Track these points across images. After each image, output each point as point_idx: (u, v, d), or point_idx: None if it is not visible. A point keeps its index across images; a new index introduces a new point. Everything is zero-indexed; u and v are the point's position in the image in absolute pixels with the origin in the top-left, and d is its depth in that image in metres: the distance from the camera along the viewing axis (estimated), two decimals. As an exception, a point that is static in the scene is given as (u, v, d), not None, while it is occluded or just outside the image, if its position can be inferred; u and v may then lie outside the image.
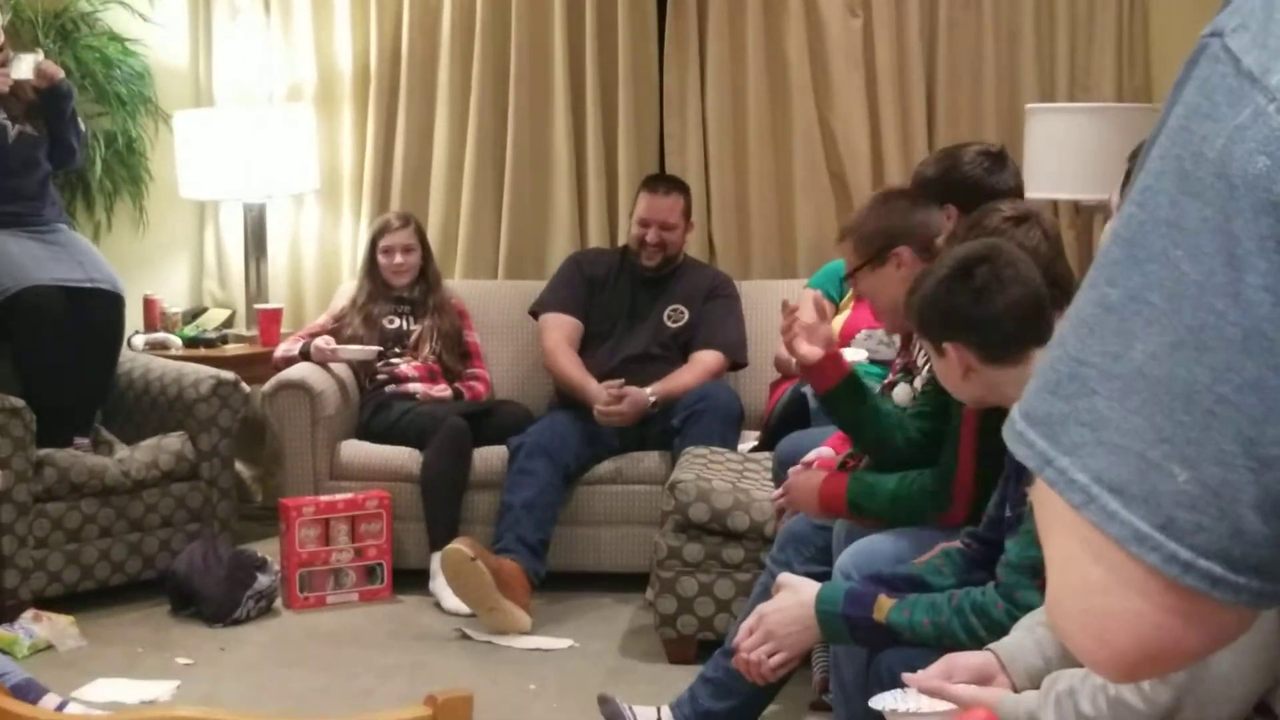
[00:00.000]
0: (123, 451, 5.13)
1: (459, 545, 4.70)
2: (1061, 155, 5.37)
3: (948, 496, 3.18)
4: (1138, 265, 0.81)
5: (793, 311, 3.43)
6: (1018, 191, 3.82)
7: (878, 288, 3.56)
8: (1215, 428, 0.78)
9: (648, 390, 5.12)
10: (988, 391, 2.78)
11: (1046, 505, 0.84)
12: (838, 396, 3.42)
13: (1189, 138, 0.81)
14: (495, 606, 4.71)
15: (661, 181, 5.51)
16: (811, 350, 3.39)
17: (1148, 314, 0.80)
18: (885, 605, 2.74)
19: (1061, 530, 0.83)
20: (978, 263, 2.76)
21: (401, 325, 5.56)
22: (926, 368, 3.60)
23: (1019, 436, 0.84)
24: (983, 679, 2.43)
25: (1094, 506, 0.81)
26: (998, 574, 2.68)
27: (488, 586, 4.69)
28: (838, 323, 5.24)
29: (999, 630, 2.56)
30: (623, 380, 5.14)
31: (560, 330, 5.39)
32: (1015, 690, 2.40)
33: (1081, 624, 0.84)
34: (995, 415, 2.89)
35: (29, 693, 3.51)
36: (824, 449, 3.87)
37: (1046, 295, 2.78)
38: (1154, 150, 0.83)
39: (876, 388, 3.88)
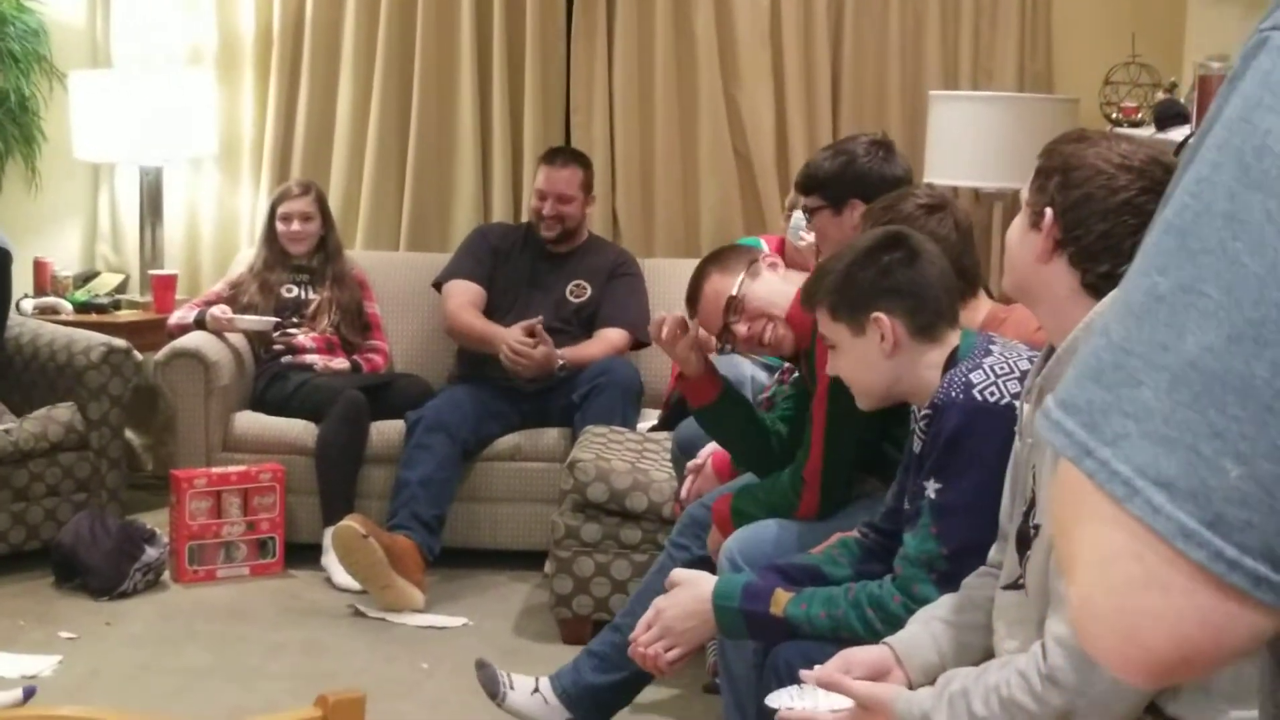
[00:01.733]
0: (10, 422, 5.02)
1: (351, 523, 4.64)
2: (962, 143, 5.38)
3: (796, 496, 3.21)
4: (1191, 256, 0.79)
5: (680, 322, 3.49)
6: (909, 178, 3.83)
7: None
8: (1272, 423, 0.76)
9: (558, 352, 5.08)
10: (903, 372, 2.74)
11: (1077, 498, 0.81)
12: (716, 412, 3.47)
13: (1250, 130, 0.79)
14: (388, 584, 4.66)
15: (560, 154, 5.47)
16: (696, 363, 3.43)
17: (1202, 306, 0.78)
18: (783, 599, 2.73)
19: (1096, 524, 0.80)
20: (896, 239, 2.76)
21: (300, 294, 5.48)
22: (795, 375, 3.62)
23: (1055, 425, 0.82)
24: (879, 673, 2.42)
25: (1139, 500, 0.78)
26: (895, 567, 2.67)
27: (380, 564, 4.64)
28: None
29: (896, 623, 2.56)
30: (540, 318, 5.09)
31: (464, 295, 5.34)
32: (910, 685, 2.40)
33: (1113, 624, 0.80)
34: (844, 403, 2.90)
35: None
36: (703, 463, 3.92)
37: (955, 279, 2.79)
38: (1208, 141, 0.82)
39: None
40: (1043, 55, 5.88)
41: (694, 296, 3.53)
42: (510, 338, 5.06)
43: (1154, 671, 0.81)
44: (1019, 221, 2.29)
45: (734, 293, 3.44)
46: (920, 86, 5.85)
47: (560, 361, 5.08)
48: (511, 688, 3.75)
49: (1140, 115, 4.70)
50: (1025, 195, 2.29)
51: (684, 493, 3.94)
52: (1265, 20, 0.82)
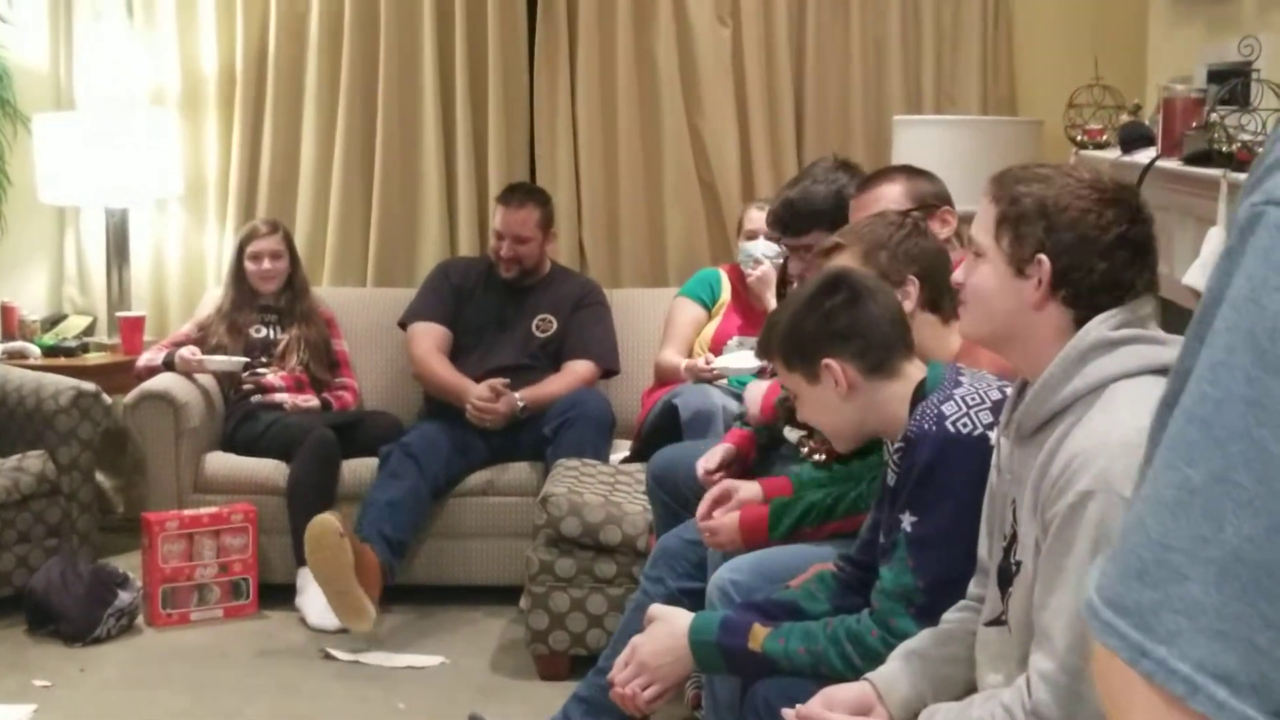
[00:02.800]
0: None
1: (331, 517, 4.59)
2: (927, 166, 5.38)
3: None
4: (1219, 445, 0.79)
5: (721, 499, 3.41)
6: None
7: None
8: None
9: (516, 395, 5.09)
10: (868, 411, 2.75)
11: (1132, 694, 0.80)
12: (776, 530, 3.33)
13: (1260, 312, 0.79)
14: (347, 590, 4.58)
15: (516, 192, 5.46)
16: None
17: (1237, 496, 0.77)
18: (760, 634, 2.73)
19: None
20: (836, 282, 2.76)
21: (268, 334, 5.47)
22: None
23: (1107, 627, 0.81)
24: (861, 711, 2.43)
25: (1201, 696, 0.77)
26: (872, 601, 2.68)
27: (347, 567, 4.56)
28: (709, 330, 5.26)
29: (875, 658, 2.56)
30: (508, 380, 5.10)
31: (429, 338, 5.34)
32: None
33: None
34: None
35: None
36: (725, 445, 3.82)
37: (901, 307, 2.81)
38: (1219, 323, 0.81)
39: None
40: (1005, 79, 5.92)
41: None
42: (474, 394, 5.07)
43: None
44: (995, 270, 2.26)
45: None
46: (884, 111, 5.88)
47: (520, 404, 5.08)
48: None
49: (1105, 137, 4.72)
50: (983, 240, 2.27)
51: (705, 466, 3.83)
52: (1254, 193, 0.81)
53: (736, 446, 3.78)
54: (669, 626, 2.85)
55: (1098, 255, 2.17)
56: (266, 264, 5.46)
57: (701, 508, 3.44)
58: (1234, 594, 0.77)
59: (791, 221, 3.81)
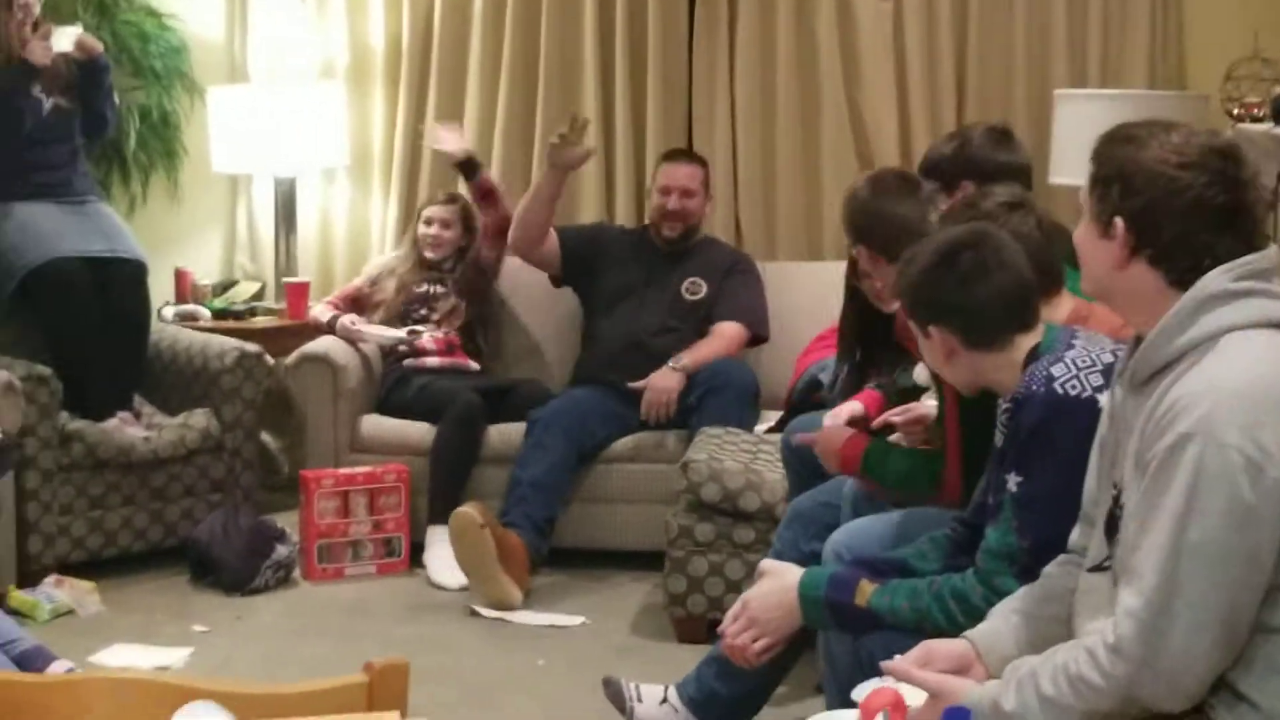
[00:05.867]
0: (160, 419, 5.23)
1: (470, 509, 4.73)
2: (1089, 142, 5.32)
3: (940, 479, 3.20)
4: None
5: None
6: (1026, 169, 3.85)
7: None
8: None
9: (669, 363, 5.14)
10: (973, 375, 2.79)
11: None
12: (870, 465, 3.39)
13: None
14: (491, 577, 4.74)
15: (679, 152, 5.60)
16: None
17: None
18: (867, 590, 2.76)
19: None
20: (964, 248, 2.75)
21: (429, 289, 5.63)
22: None
23: None
24: (960, 667, 2.44)
25: None
26: (977, 559, 2.69)
27: (489, 556, 4.72)
28: None
29: (977, 616, 2.58)
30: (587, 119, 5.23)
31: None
32: (991, 677, 2.42)
33: None
34: (978, 400, 2.90)
35: (36, 660, 3.57)
36: (856, 404, 3.86)
37: (1033, 283, 2.79)
38: None
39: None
40: (1174, 52, 5.81)
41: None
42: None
43: None
44: (1087, 229, 2.28)
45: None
46: (1046, 87, 5.82)
47: (674, 365, 5.13)
48: (639, 700, 3.78)
49: (1261, 111, 4.66)
50: (1084, 200, 2.29)
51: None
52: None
53: (866, 406, 3.80)
54: (779, 581, 2.90)
55: (1169, 219, 2.17)
56: (435, 229, 5.64)
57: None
58: None
59: (920, 165, 3.85)
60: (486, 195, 5.59)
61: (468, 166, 5.57)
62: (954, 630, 2.59)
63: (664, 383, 5.12)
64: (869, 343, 3.91)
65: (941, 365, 2.82)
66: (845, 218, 3.55)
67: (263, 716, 1.57)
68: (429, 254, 5.65)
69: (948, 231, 2.89)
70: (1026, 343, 2.74)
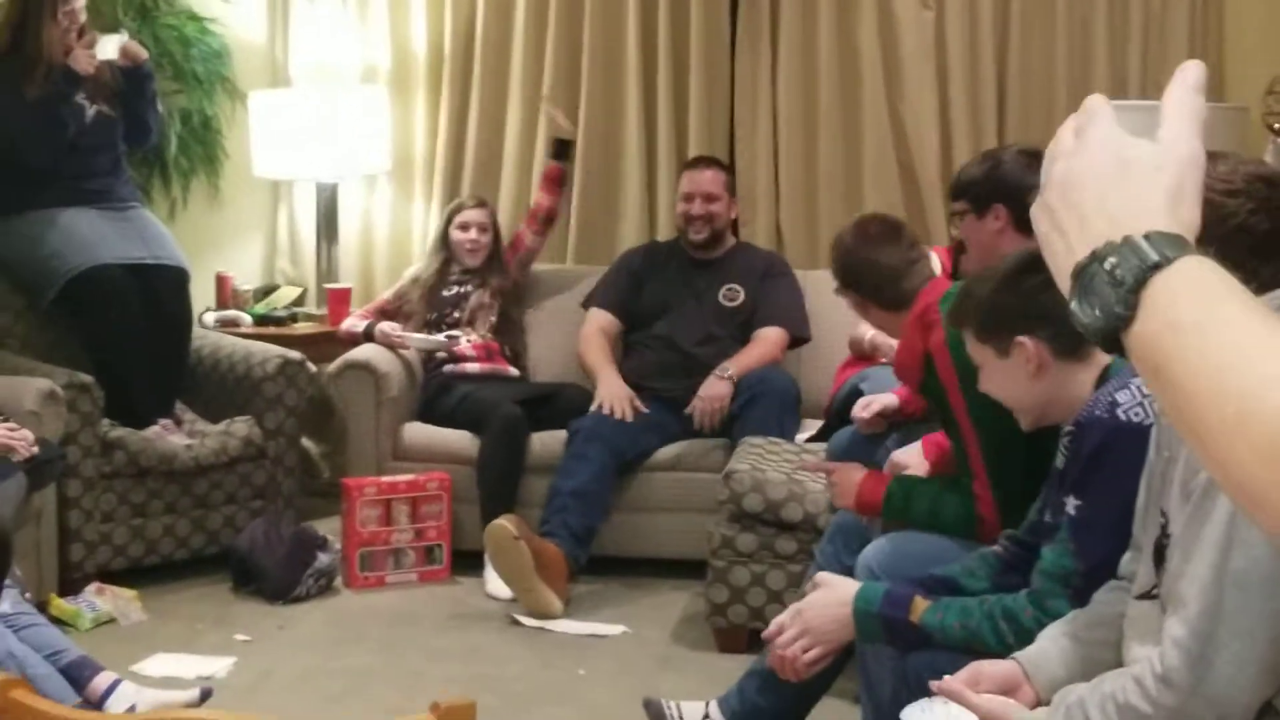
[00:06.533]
0: (203, 426, 5.24)
1: (505, 523, 4.75)
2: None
3: (975, 522, 3.19)
4: None
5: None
6: None
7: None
8: None
9: (715, 372, 5.15)
10: (1054, 393, 2.75)
11: None
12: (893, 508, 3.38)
13: None
14: (531, 588, 4.76)
15: (699, 159, 5.61)
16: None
17: None
18: (920, 606, 2.76)
19: None
20: (1040, 259, 2.73)
21: (459, 290, 5.63)
22: None
23: None
24: (1008, 688, 2.43)
25: None
26: (1032, 580, 2.68)
27: (527, 567, 4.73)
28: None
29: (1026, 637, 2.56)
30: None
31: (596, 323, 5.50)
32: (1038, 700, 2.41)
33: None
34: (996, 435, 2.89)
35: (83, 670, 3.58)
36: (891, 397, 3.86)
37: None
38: None
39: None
40: (1213, 63, 5.78)
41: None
42: (611, 397, 5.18)
43: None
44: None
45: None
46: (1088, 95, 5.77)
47: (722, 375, 5.13)
48: (681, 718, 3.79)
49: (1302, 126, 4.64)
50: None
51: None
52: None
53: (901, 400, 3.80)
54: (835, 593, 2.89)
55: (1217, 245, 2.14)
56: (474, 234, 5.62)
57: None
58: None
59: (950, 186, 3.86)
60: (558, 181, 5.69)
61: (567, 147, 5.70)
62: (1002, 650, 2.57)
63: (714, 390, 5.13)
64: None
65: (1025, 386, 2.78)
66: (833, 264, 3.65)
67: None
68: (468, 260, 5.64)
69: (1017, 253, 2.88)
70: (1102, 359, 2.72)
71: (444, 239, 5.69)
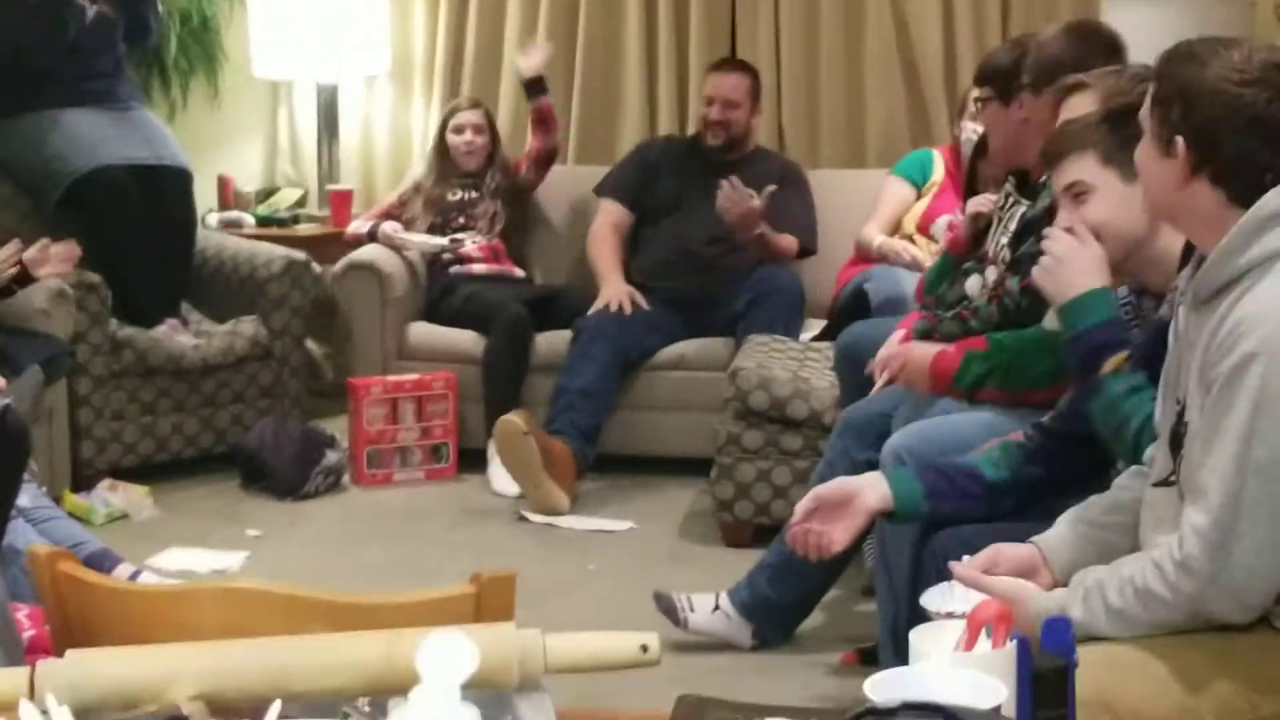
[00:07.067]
0: (209, 326, 5.26)
1: (514, 418, 4.78)
2: (1136, 46, 5.29)
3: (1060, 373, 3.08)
4: None
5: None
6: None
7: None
8: None
9: (755, 201, 5.12)
10: (1155, 232, 2.68)
11: None
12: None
13: None
14: (539, 483, 4.79)
15: (727, 62, 5.57)
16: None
17: None
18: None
19: None
20: None
21: (464, 196, 5.62)
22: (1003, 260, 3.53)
23: None
24: (1026, 571, 2.46)
25: None
26: None
27: (534, 464, 4.76)
28: (919, 209, 5.25)
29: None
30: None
31: (609, 215, 5.48)
32: (1056, 583, 2.45)
33: None
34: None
35: (104, 562, 3.62)
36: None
37: None
38: None
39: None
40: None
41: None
42: (615, 295, 5.19)
43: None
44: (1147, 148, 2.28)
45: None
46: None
47: (756, 200, 5.12)
48: (692, 610, 3.82)
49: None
50: (1144, 119, 2.28)
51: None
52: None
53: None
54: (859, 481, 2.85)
55: (1230, 136, 2.17)
56: (469, 135, 5.60)
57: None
58: None
59: (976, 71, 3.86)
60: (544, 120, 5.59)
61: (535, 86, 5.56)
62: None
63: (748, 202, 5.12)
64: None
65: (1129, 212, 2.66)
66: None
67: (372, 627, 1.58)
68: (465, 163, 5.62)
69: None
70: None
71: (441, 143, 5.67)
